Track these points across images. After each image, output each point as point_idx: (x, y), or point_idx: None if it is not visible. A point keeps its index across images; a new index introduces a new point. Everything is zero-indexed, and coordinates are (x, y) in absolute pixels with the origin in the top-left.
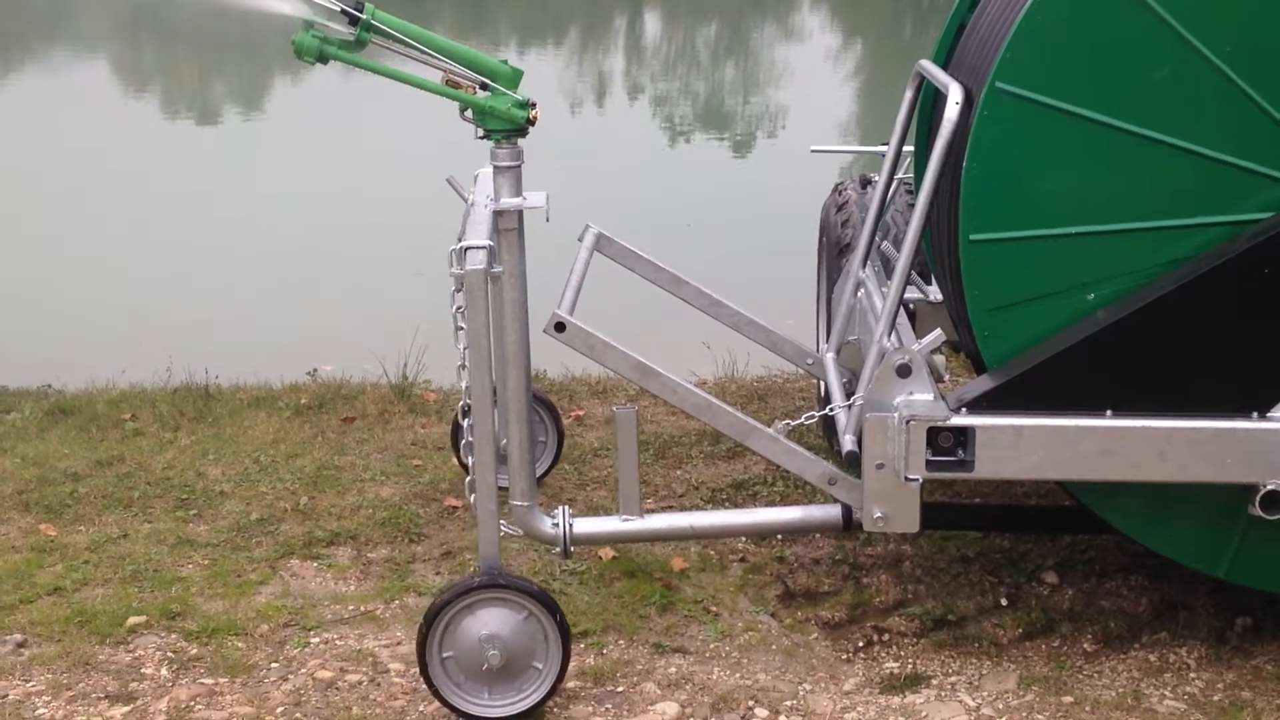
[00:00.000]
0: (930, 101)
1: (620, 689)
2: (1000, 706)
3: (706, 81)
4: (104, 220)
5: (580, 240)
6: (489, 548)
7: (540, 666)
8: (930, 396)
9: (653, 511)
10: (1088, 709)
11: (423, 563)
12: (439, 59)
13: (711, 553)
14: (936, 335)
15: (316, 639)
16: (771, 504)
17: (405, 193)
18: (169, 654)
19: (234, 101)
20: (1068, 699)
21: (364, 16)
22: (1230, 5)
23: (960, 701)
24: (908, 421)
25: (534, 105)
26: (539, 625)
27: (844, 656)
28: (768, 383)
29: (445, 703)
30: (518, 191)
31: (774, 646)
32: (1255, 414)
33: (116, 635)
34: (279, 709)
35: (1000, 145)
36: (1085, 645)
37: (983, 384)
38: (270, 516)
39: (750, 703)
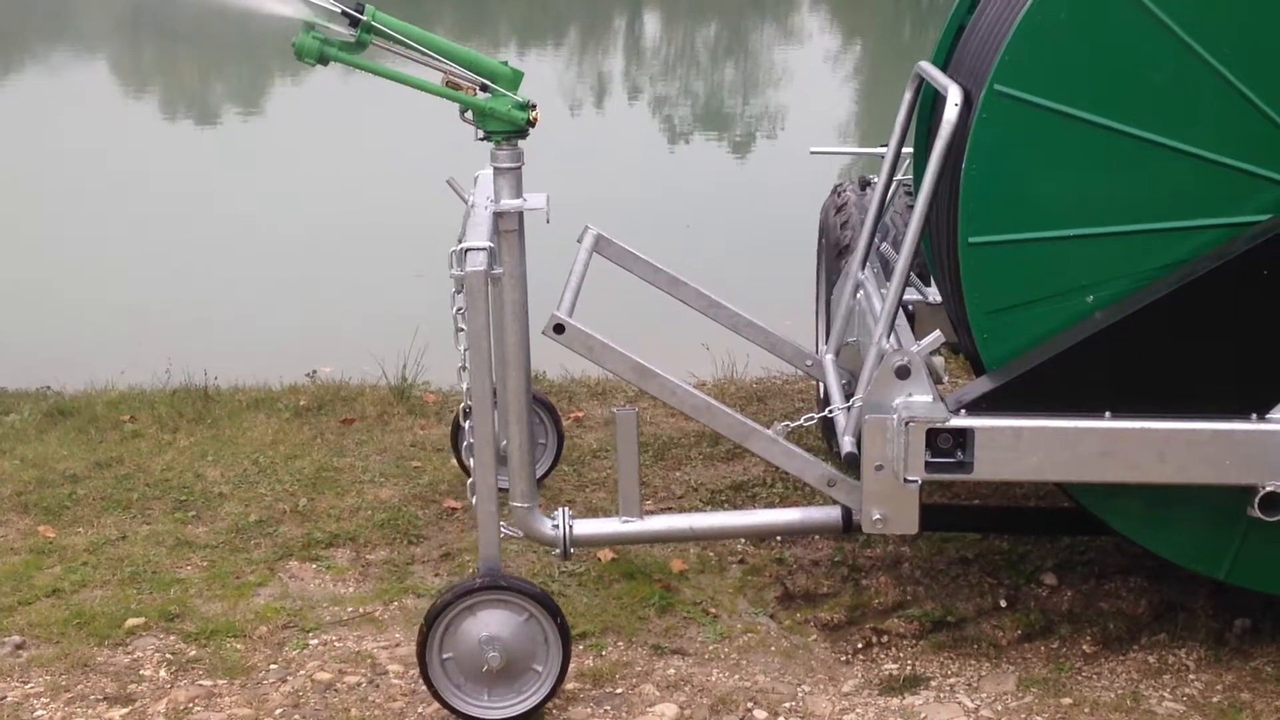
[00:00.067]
0: (930, 103)
1: (619, 690)
2: (999, 708)
3: (706, 82)
4: (104, 220)
5: (579, 242)
6: (489, 549)
7: (540, 668)
8: (929, 398)
9: (652, 513)
10: (1087, 710)
11: (421, 564)
12: (439, 60)
13: (711, 554)
14: (935, 337)
15: (315, 640)
16: (771, 506)
17: (405, 193)
18: (168, 655)
19: (234, 102)
20: (1067, 700)
21: (364, 18)
22: (1229, 7)
23: (959, 703)
24: (907, 423)
25: (534, 106)
26: (539, 627)
27: (843, 658)
28: (767, 384)
29: (445, 704)
30: (518, 193)
31: (773, 648)
32: (1254, 415)
33: (115, 637)
34: (277, 710)
35: (999, 147)
36: (1084, 647)
37: (982, 385)
38: (269, 518)
39: (749, 704)
